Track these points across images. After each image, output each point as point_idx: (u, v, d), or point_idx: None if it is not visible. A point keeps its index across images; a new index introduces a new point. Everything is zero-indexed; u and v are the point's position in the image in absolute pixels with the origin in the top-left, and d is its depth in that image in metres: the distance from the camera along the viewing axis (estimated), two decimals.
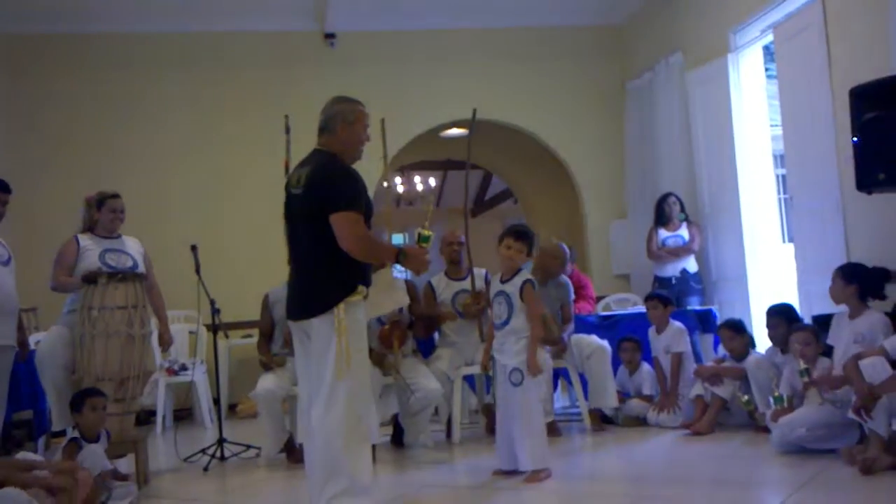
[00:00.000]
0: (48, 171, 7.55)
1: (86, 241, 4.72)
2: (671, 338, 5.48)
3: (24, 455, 3.72)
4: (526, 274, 4.19)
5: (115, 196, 4.83)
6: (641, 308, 6.42)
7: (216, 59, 8.03)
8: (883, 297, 4.35)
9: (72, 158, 7.62)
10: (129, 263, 4.71)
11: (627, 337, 5.81)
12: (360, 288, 3.31)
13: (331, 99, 3.53)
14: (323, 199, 3.25)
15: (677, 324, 5.56)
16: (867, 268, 4.45)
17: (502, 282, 4.17)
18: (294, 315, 3.42)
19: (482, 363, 4.37)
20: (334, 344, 3.19)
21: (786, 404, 4.42)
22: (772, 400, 4.55)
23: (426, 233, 3.52)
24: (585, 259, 8.40)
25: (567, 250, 5.78)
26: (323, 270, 3.30)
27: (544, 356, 4.27)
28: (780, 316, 4.90)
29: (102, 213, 4.76)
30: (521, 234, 4.19)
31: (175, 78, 7.95)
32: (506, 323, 4.10)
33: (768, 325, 4.95)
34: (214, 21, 7.97)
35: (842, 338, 4.34)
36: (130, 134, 7.79)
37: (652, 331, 5.64)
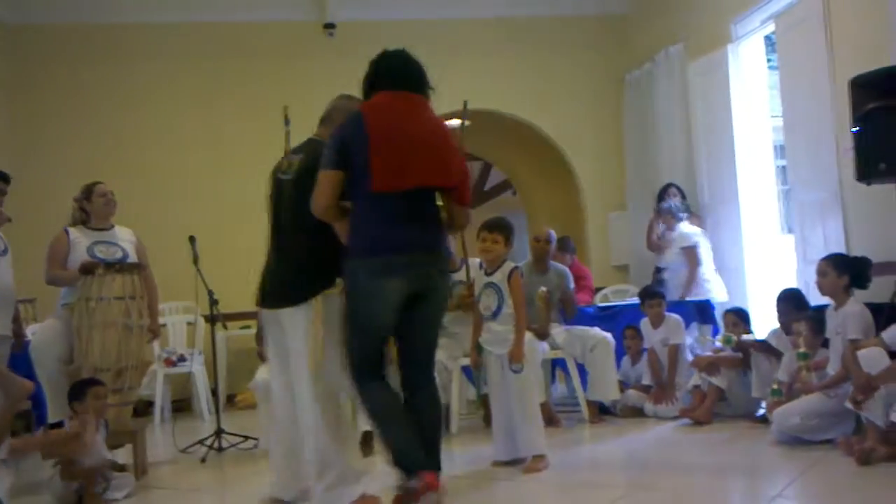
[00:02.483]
0: (51, 161, 7.54)
1: (76, 233, 4.70)
2: (670, 330, 5.49)
3: None
4: (511, 263, 4.17)
5: (99, 182, 4.83)
6: (634, 299, 6.44)
7: (216, 49, 8.00)
8: (866, 287, 4.33)
9: (74, 149, 7.60)
10: (119, 255, 4.68)
11: (630, 325, 5.82)
12: (339, 281, 3.28)
13: (339, 95, 3.61)
14: (312, 186, 3.22)
15: (675, 316, 5.56)
16: (853, 258, 4.45)
17: (488, 274, 4.16)
18: (270, 303, 3.39)
19: (471, 360, 4.35)
20: (309, 335, 3.22)
21: (783, 397, 4.42)
22: (770, 391, 4.55)
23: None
24: (584, 250, 8.39)
25: (554, 236, 5.76)
26: (305, 260, 3.31)
27: (534, 341, 4.27)
28: (789, 301, 4.89)
29: (94, 203, 4.75)
30: (492, 226, 4.17)
31: (173, 68, 7.92)
32: (496, 314, 4.09)
33: (777, 310, 4.95)
34: (214, 11, 7.96)
35: (830, 330, 4.34)
36: (130, 125, 7.77)
37: (646, 322, 5.64)
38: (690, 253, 6.56)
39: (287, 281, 3.34)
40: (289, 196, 3.35)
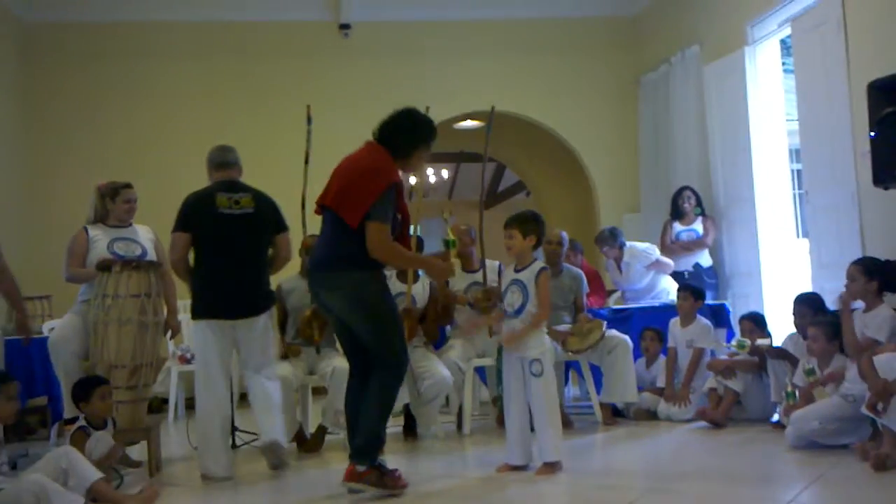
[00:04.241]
0: (65, 159, 7.63)
1: (95, 231, 4.73)
2: (697, 332, 5.47)
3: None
4: (541, 263, 4.13)
5: (128, 186, 4.84)
6: (654, 301, 6.41)
7: (231, 49, 8.05)
8: None
9: (88, 146, 7.68)
10: (138, 252, 4.72)
11: (650, 327, 5.80)
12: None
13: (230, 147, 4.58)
14: (275, 218, 4.36)
15: (705, 320, 5.55)
16: (883, 261, 4.41)
17: (517, 271, 4.12)
18: (242, 312, 4.17)
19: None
20: (271, 330, 4.38)
21: (798, 400, 4.40)
22: (785, 395, 4.53)
23: (451, 238, 3.53)
24: (598, 252, 8.36)
25: (566, 239, 5.74)
26: (266, 276, 4.22)
27: (549, 342, 4.21)
28: (807, 304, 4.86)
29: (116, 204, 4.78)
30: (508, 221, 4.12)
31: (190, 67, 7.98)
32: (519, 311, 4.03)
33: (794, 313, 4.92)
34: (230, 10, 8.02)
35: (857, 331, 4.31)
36: (146, 123, 7.84)
37: (675, 322, 5.61)
38: (658, 264, 6.56)
39: (257, 294, 4.22)
40: (249, 229, 4.22)
